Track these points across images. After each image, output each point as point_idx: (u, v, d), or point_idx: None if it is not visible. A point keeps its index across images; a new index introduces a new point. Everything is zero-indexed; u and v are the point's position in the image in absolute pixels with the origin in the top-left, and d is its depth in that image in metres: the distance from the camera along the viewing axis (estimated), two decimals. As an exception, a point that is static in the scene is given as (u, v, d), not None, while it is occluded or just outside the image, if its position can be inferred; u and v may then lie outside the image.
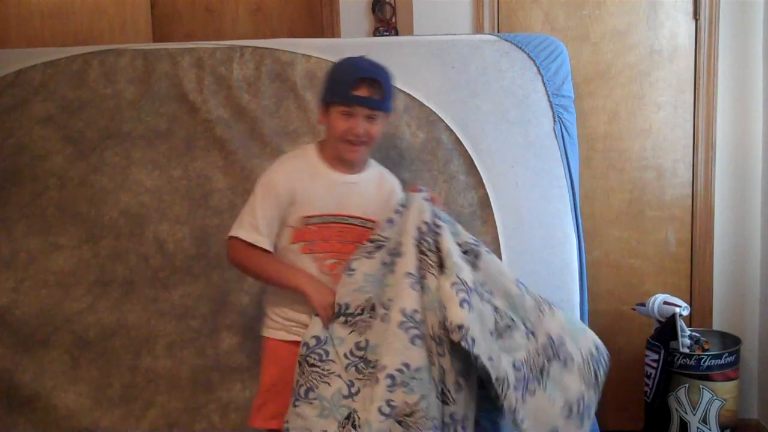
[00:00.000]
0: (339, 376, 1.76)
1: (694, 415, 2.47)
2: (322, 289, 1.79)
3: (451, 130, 2.31)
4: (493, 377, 1.70)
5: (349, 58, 1.85)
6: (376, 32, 2.71)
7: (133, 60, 2.30)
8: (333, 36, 2.75)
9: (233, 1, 2.97)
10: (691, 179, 2.76)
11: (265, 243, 1.81)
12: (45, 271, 2.25)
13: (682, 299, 2.52)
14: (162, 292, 2.27)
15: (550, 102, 2.35)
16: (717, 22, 2.67)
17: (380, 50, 2.33)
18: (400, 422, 1.70)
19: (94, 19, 2.88)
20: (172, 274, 2.27)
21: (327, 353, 1.77)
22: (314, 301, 1.77)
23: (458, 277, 1.73)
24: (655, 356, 2.48)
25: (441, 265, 1.76)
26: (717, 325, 2.78)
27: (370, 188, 1.91)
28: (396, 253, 1.77)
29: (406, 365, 1.69)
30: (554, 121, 2.35)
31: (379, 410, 1.69)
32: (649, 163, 2.75)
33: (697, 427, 2.47)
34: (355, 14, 2.73)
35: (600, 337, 2.72)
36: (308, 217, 1.83)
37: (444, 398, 1.73)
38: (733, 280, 2.79)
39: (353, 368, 1.76)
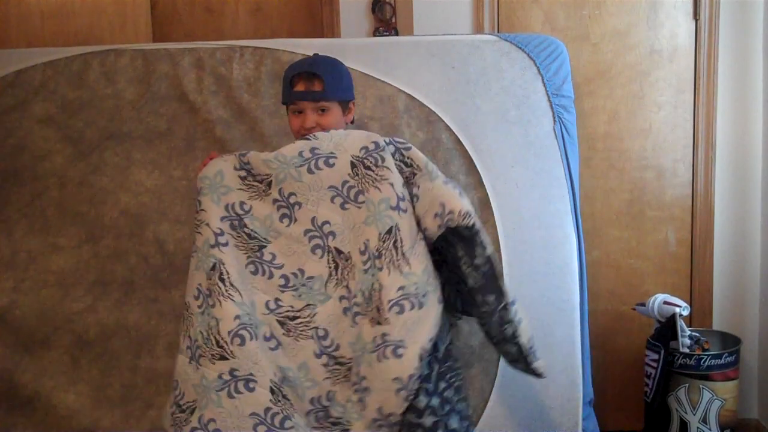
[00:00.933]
0: (208, 224, 1.76)
1: (694, 415, 2.47)
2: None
3: (451, 131, 2.31)
4: (497, 270, 1.74)
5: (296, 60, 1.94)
6: (376, 32, 2.71)
7: (133, 60, 2.30)
8: (333, 36, 2.75)
9: (233, 1, 2.96)
10: (691, 179, 2.76)
11: None
12: (45, 271, 2.25)
13: (682, 299, 2.52)
14: (162, 292, 2.27)
15: (550, 102, 2.35)
16: (717, 22, 2.67)
17: (380, 50, 2.35)
18: (281, 322, 1.73)
19: (94, 19, 2.88)
20: (172, 274, 2.27)
21: (200, 203, 1.78)
22: None
23: (448, 178, 1.80)
24: (655, 356, 2.48)
25: (412, 175, 1.80)
26: (717, 325, 2.78)
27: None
28: (326, 161, 1.77)
29: (301, 271, 1.75)
30: (554, 121, 2.35)
31: (266, 304, 1.73)
32: (649, 163, 2.75)
33: (697, 427, 2.47)
34: (355, 14, 2.73)
35: (600, 337, 2.74)
36: None
37: (379, 317, 1.70)
38: (733, 280, 2.79)
39: (228, 222, 1.77)
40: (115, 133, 2.28)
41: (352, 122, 1.96)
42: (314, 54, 1.92)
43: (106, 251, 2.26)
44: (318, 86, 1.81)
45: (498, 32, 2.65)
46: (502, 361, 2.28)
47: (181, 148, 2.29)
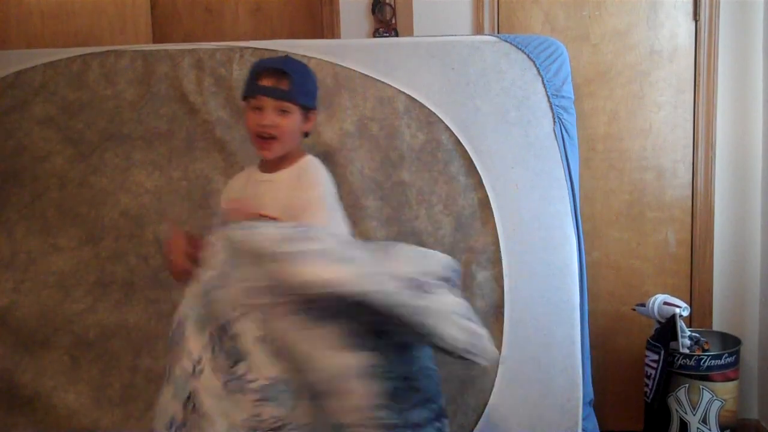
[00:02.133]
0: (190, 353, 1.67)
1: (694, 415, 2.47)
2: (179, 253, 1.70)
3: (451, 132, 2.31)
4: None
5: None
6: (376, 33, 2.71)
7: (133, 61, 2.30)
8: (333, 37, 2.75)
9: (233, 1, 2.96)
10: (691, 179, 2.76)
11: None
12: (45, 272, 2.25)
13: (682, 299, 2.52)
14: (162, 292, 2.27)
15: (550, 103, 2.35)
16: (717, 22, 2.67)
17: (380, 51, 2.35)
18: None
19: (94, 20, 2.88)
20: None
21: (183, 333, 1.68)
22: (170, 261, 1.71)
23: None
24: (655, 356, 2.49)
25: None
26: (717, 325, 2.78)
27: (283, 186, 1.80)
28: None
29: (274, 378, 1.66)
30: (554, 122, 2.35)
31: (246, 425, 1.65)
32: (649, 163, 2.75)
33: (697, 428, 2.47)
34: (355, 15, 2.72)
35: (600, 337, 2.74)
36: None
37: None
38: (733, 280, 2.79)
39: (210, 349, 1.67)
40: (115, 134, 2.28)
41: (306, 135, 1.87)
42: (286, 55, 1.87)
43: (106, 252, 2.27)
44: (285, 85, 1.71)
45: (498, 33, 2.65)
46: (502, 361, 2.29)
47: (181, 149, 2.29)
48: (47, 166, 2.27)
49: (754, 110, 2.72)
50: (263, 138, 1.75)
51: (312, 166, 1.83)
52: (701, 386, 2.45)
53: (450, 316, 1.66)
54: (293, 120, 1.75)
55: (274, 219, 1.75)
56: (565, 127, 2.36)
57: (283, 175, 1.80)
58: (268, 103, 1.72)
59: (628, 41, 2.71)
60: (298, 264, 1.58)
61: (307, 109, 1.79)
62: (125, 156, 2.28)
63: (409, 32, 2.66)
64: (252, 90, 1.74)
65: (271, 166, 1.82)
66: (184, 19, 2.97)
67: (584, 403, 2.35)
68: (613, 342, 2.81)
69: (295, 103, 1.74)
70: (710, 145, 2.72)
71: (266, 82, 1.72)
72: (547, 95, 2.35)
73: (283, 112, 1.73)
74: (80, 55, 2.30)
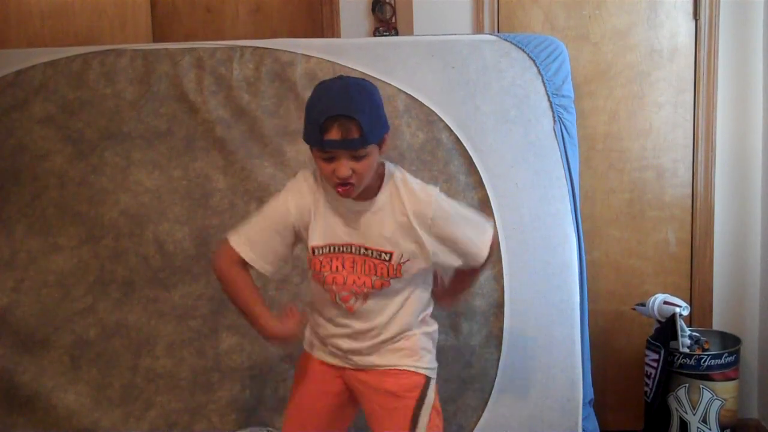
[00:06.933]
0: None
1: (694, 414, 2.47)
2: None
3: (451, 130, 2.31)
4: None
5: (322, 88, 1.57)
6: (376, 32, 2.71)
7: (133, 60, 2.30)
8: (333, 36, 2.75)
9: (233, 1, 2.96)
10: (691, 179, 2.76)
11: (255, 261, 1.64)
12: (45, 271, 2.25)
13: (682, 299, 2.52)
14: (162, 292, 2.27)
15: (550, 102, 2.35)
16: (717, 22, 2.67)
17: (380, 50, 2.35)
18: None
19: (94, 19, 2.88)
20: (172, 274, 2.27)
21: None
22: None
23: None
24: (655, 356, 2.49)
25: None
26: (717, 325, 2.78)
27: (385, 215, 1.64)
28: None
29: None
30: (554, 121, 2.35)
31: None
32: (649, 163, 2.75)
33: (697, 427, 2.47)
34: (355, 14, 2.72)
35: (600, 337, 2.74)
36: (315, 247, 1.65)
37: None
38: (733, 280, 2.79)
39: None
40: (114, 133, 2.28)
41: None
42: (339, 77, 1.63)
43: (106, 251, 2.26)
44: (356, 132, 1.49)
45: (498, 32, 2.65)
46: (503, 361, 2.29)
47: (181, 148, 2.29)
48: (47, 165, 2.27)
49: (754, 110, 2.72)
50: (342, 185, 1.56)
51: (401, 177, 1.68)
52: (701, 386, 2.45)
53: None
54: (371, 160, 1.56)
55: (385, 252, 1.64)
56: (565, 126, 2.36)
57: (379, 203, 1.65)
58: (341, 153, 1.52)
59: (628, 41, 2.71)
60: None
61: (379, 141, 1.59)
62: (125, 155, 2.28)
63: (409, 31, 2.66)
64: (318, 143, 1.53)
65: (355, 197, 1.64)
66: (184, 19, 2.97)
67: (584, 403, 2.35)
68: (613, 342, 2.81)
69: (369, 144, 1.53)
70: (710, 145, 2.72)
71: (335, 135, 1.50)
72: (547, 94, 2.35)
73: (357, 157, 1.53)
74: (80, 54, 2.30)
